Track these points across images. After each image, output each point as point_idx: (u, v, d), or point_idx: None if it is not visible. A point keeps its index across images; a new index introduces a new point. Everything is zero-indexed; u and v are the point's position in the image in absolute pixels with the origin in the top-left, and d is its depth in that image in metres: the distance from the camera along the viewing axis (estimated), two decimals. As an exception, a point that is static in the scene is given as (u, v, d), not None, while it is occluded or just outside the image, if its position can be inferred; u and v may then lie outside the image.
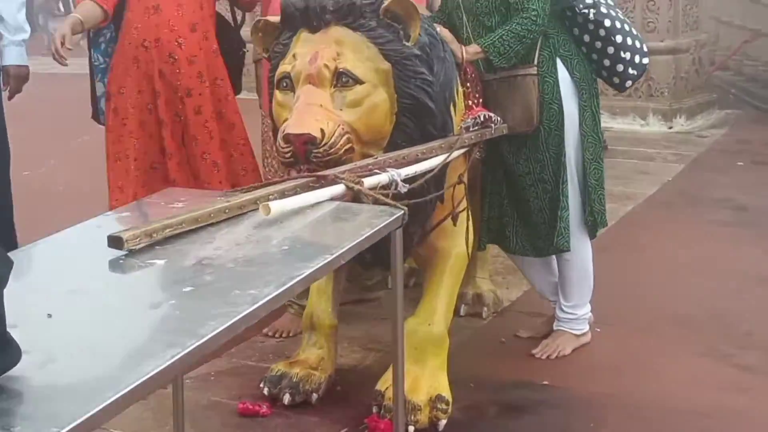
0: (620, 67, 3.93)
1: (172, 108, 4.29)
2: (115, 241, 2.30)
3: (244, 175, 4.39)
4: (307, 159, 3.13)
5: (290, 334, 4.22)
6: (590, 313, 4.17)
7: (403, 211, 2.71)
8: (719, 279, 5.00)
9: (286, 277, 2.21)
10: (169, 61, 4.24)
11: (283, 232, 2.54)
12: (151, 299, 2.10)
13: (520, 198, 3.95)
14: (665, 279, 5.02)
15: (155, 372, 1.74)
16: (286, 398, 3.54)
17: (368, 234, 2.54)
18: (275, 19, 3.43)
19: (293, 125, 3.14)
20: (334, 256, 2.37)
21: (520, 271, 4.39)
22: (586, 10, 3.83)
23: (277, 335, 4.26)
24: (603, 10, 3.86)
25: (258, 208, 2.60)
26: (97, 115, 4.53)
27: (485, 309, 4.48)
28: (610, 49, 3.89)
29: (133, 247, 2.32)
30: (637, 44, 3.95)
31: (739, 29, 9.34)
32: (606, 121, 8.41)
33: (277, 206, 2.58)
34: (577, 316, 4.11)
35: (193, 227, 2.48)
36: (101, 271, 2.26)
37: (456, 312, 4.28)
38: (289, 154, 3.15)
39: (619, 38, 3.89)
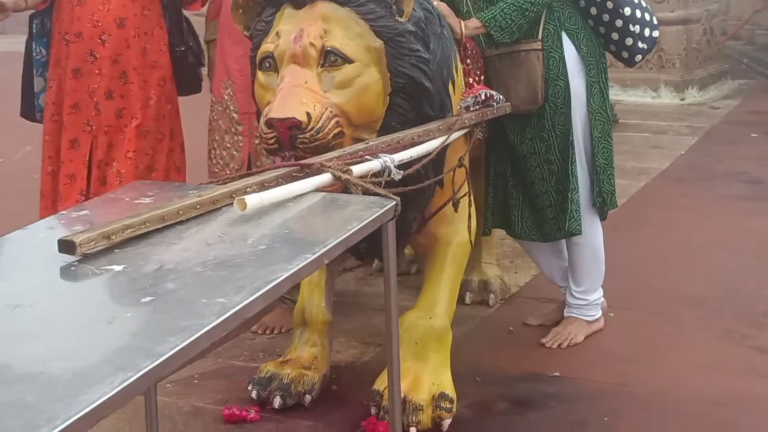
0: (629, 41, 3.69)
1: (82, 115, 3.89)
2: (66, 246, 2.05)
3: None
4: (293, 145, 2.88)
5: (282, 330, 3.96)
6: (603, 298, 3.94)
7: (395, 202, 2.47)
8: (735, 256, 4.80)
9: (261, 282, 1.95)
10: (88, 60, 3.86)
11: (260, 229, 2.29)
12: (103, 313, 1.84)
13: (525, 180, 3.71)
14: (679, 258, 4.81)
15: (100, 402, 1.49)
16: (277, 401, 3.29)
17: (356, 228, 2.29)
18: (256, -6, 3.18)
19: (276, 109, 2.89)
20: (316, 254, 2.12)
21: (529, 255, 4.16)
22: None
23: (267, 332, 3.99)
24: None
25: (234, 203, 2.35)
26: (32, 112, 4.14)
27: (492, 296, 4.24)
28: (619, 23, 3.64)
29: (88, 252, 2.07)
30: (647, 17, 3.72)
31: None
32: (617, 94, 8.19)
33: (255, 200, 2.32)
34: (588, 302, 3.88)
35: (160, 226, 2.23)
36: (48, 281, 2.00)
37: (461, 300, 4.07)
38: (272, 140, 2.90)
39: (627, 11, 3.65)
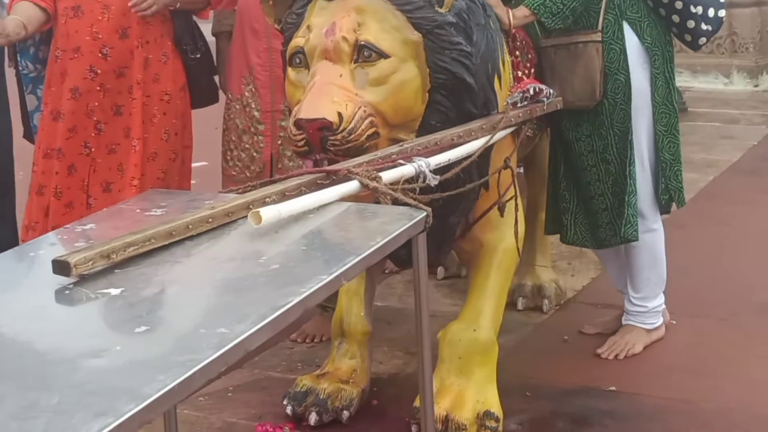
0: (691, 24, 3.40)
1: (79, 138, 3.60)
2: (61, 267, 1.89)
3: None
4: (323, 148, 2.71)
5: (322, 339, 3.76)
6: (664, 305, 3.70)
7: (425, 213, 2.27)
8: None
9: (268, 308, 1.78)
10: (88, 77, 3.56)
11: (276, 245, 2.12)
12: (91, 346, 1.67)
13: (579, 181, 3.49)
14: (750, 259, 4.53)
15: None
16: (313, 418, 3.12)
17: (379, 245, 2.10)
18: (288, -16, 3.01)
19: (306, 109, 2.71)
20: (332, 276, 1.93)
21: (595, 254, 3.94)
22: None
23: (307, 340, 3.82)
24: None
25: (248, 216, 2.17)
26: (30, 134, 3.90)
27: (546, 302, 4.02)
28: (678, 4, 3.36)
29: (85, 273, 1.91)
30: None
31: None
32: (686, 80, 7.88)
33: (270, 214, 2.14)
34: (647, 309, 3.65)
35: (167, 242, 2.07)
36: (38, 307, 1.84)
37: (512, 307, 3.90)
38: (302, 142, 2.73)
39: None
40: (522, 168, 4.00)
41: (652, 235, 3.53)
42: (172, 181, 3.74)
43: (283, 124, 3.58)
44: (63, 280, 1.91)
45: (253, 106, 3.71)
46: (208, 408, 3.29)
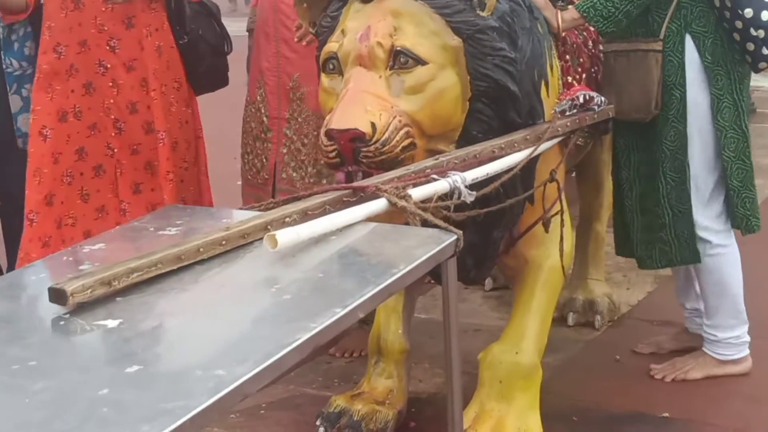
0: (750, 46, 3.13)
1: (101, 137, 3.45)
2: (57, 295, 1.77)
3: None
4: (356, 160, 2.57)
5: (362, 354, 3.61)
6: (747, 338, 3.43)
7: (456, 237, 2.12)
8: None
9: (273, 346, 1.64)
10: (98, 71, 3.40)
11: (292, 271, 1.98)
12: (77, 387, 1.56)
13: (638, 193, 3.31)
14: None
15: None
16: (346, 440, 3.00)
17: (402, 272, 1.95)
18: (323, -15, 2.88)
19: (338, 118, 2.57)
20: (347, 309, 1.79)
21: None
22: None
23: (345, 355, 3.69)
24: None
25: (264, 239, 2.04)
26: (13, 138, 3.67)
27: (598, 317, 3.83)
28: (738, 24, 3.10)
29: (83, 301, 1.80)
30: None
31: None
32: (755, 80, 7.48)
33: (288, 237, 2.01)
34: (718, 339, 3.40)
35: (175, 267, 1.94)
36: (29, 342, 1.73)
37: (562, 322, 3.74)
38: (333, 154, 2.59)
39: (749, 12, 3.07)
40: (575, 173, 3.83)
41: (715, 259, 3.30)
42: (191, 174, 3.63)
43: (287, 132, 3.48)
44: (59, 310, 1.79)
45: (263, 111, 3.63)
46: (239, 426, 3.17)
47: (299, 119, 3.53)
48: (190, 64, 3.59)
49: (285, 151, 3.54)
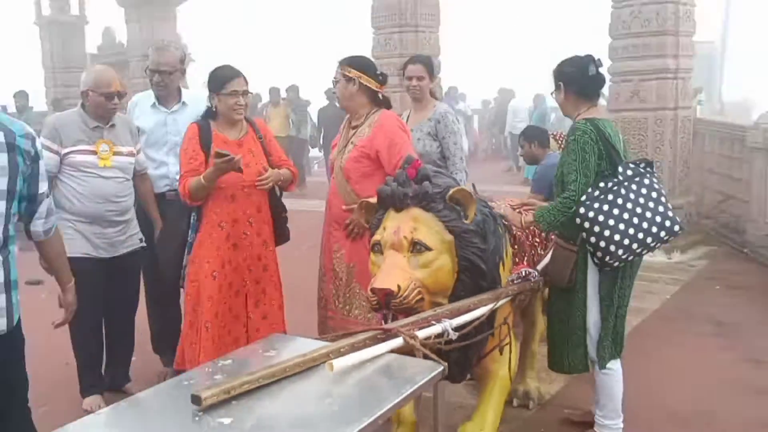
0: (599, 254, 2.85)
1: (239, 276, 3.27)
2: (195, 399, 1.68)
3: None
4: (388, 306, 2.47)
5: None
6: (620, 425, 3.07)
7: (442, 368, 1.99)
8: (701, 380, 3.87)
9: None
10: (242, 237, 3.27)
11: (339, 388, 1.86)
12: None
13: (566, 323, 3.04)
14: (663, 379, 3.90)
15: None
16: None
17: (408, 392, 1.83)
18: (374, 200, 2.81)
19: (379, 281, 2.48)
20: (369, 421, 1.65)
21: None
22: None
23: None
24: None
25: (325, 365, 1.92)
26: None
27: (531, 402, 3.58)
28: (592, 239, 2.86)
29: (212, 402, 1.67)
30: (626, 241, 2.83)
31: (717, 193, 8.07)
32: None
33: (340, 364, 1.90)
34: (602, 424, 3.09)
35: (269, 381, 1.82)
36: (171, 428, 1.62)
37: (509, 404, 3.44)
38: (375, 302, 2.49)
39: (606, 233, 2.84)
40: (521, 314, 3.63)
41: (602, 377, 3.04)
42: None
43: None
44: (196, 408, 1.67)
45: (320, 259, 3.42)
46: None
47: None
48: (281, 227, 3.45)
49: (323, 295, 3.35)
